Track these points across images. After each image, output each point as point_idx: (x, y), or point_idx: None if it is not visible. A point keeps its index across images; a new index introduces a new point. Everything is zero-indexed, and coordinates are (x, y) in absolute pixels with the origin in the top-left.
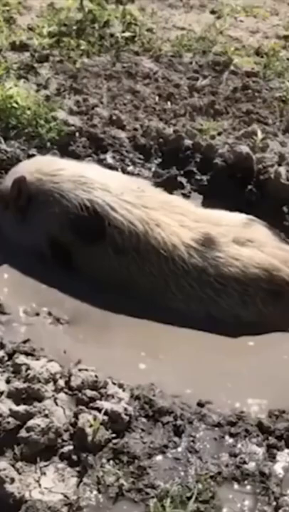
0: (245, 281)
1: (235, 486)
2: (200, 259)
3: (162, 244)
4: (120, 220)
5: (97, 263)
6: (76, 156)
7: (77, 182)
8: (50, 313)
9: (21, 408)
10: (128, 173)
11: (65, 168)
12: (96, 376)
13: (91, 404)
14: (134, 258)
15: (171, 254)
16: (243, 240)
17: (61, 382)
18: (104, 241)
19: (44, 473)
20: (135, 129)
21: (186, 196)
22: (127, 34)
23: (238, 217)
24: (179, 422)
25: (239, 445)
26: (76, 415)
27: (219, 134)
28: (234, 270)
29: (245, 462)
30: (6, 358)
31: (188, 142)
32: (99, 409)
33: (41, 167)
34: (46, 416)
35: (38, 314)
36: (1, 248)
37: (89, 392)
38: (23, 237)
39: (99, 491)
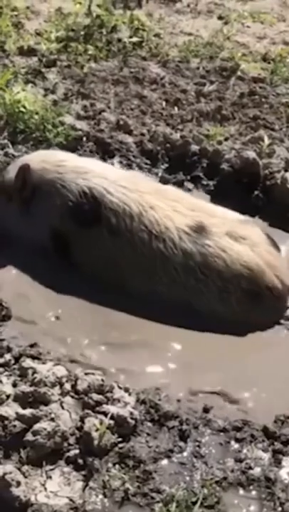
0: (227, 277)
1: (241, 491)
2: (189, 244)
3: (155, 225)
4: (116, 202)
5: (93, 248)
6: None
7: (78, 172)
8: (57, 317)
9: (28, 412)
10: None
11: (68, 159)
12: (102, 380)
13: (97, 408)
14: (127, 238)
15: (162, 235)
16: (236, 235)
17: (67, 386)
18: (100, 224)
19: (50, 477)
20: (142, 134)
21: None
22: (135, 39)
23: (234, 213)
24: (184, 426)
25: (245, 450)
26: (82, 419)
27: (226, 139)
28: (220, 262)
29: (250, 467)
30: (12, 362)
31: (195, 147)
32: (105, 414)
33: (45, 158)
34: (52, 420)
35: (44, 317)
36: (6, 247)
37: (95, 396)
38: (27, 230)
39: (104, 495)
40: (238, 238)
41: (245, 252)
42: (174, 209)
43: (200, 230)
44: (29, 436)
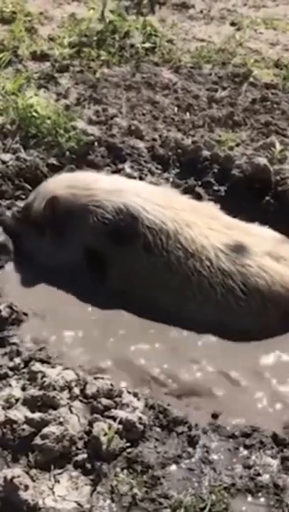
0: (268, 297)
1: (249, 498)
2: (228, 264)
3: (190, 243)
4: (152, 219)
5: (128, 266)
6: (95, 166)
7: (110, 190)
8: (65, 322)
9: (36, 415)
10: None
11: (96, 180)
12: (111, 385)
13: (106, 413)
14: (162, 256)
15: (198, 254)
16: (276, 255)
17: (76, 390)
18: (136, 242)
19: (58, 481)
20: (154, 140)
21: None
22: (147, 45)
23: (269, 232)
24: (193, 432)
25: (253, 457)
26: (91, 423)
27: (237, 145)
28: (261, 282)
29: (259, 474)
30: (22, 366)
31: (206, 153)
32: (114, 418)
33: (71, 183)
34: (61, 424)
35: (54, 321)
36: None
37: (104, 401)
38: (61, 258)
39: (112, 500)
40: (279, 258)
41: (285, 272)
42: (210, 227)
43: (239, 249)
44: (38, 440)
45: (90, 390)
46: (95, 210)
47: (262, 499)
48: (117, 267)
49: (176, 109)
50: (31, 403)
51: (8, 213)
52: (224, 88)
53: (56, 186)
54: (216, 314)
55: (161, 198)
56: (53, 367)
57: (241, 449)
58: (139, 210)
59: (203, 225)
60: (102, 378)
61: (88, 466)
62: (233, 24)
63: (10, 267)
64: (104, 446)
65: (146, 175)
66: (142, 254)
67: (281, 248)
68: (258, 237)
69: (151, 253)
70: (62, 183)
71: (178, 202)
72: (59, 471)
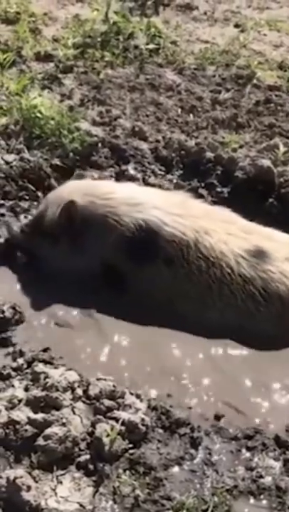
0: (288, 303)
1: (251, 500)
2: (248, 270)
3: (210, 251)
4: (172, 232)
5: (148, 279)
6: (98, 167)
7: (130, 204)
8: (70, 323)
9: (39, 416)
10: (149, 184)
11: (113, 190)
12: (114, 386)
13: (108, 414)
14: (183, 267)
15: (218, 261)
16: None
17: (79, 391)
18: (157, 257)
19: (60, 482)
20: (157, 141)
21: None
22: (151, 46)
23: (286, 236)
24: (195, 434)
25: (256, 459)
26: (93, 425)
27: (241, 147)
28: (281, 288)
29: (261, 476)
30: (25, 366)
31: (209, 155)
32: (116, 419)
33: (88, 191)
34: (64, 425)
35: (57, 324)
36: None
37: (107, 402)
38: (75, 267)
39: (115, 501)
40: None
41: None
42: (228, 232)
43: (259, 254)
44: (40, 441)
45: (93, 391)
46: (114, 224)
47: (264, 501)
48: (136, 281)
49: (179, 110)
50: (34, 404)
51: (16, 228)
52: (228, 90)
53: (72, 193)
54: (237, 320)
55: (179, 207)
56: (55, 368)
57: (244, 451)
58: (159, 226)
59: (222, 231)
60: (105, 379)
61: (91, 467)
62: (236, 26)
63: (14, 266)
64: (106, 448)
65: (149, 176)
66: (163, 268)
67: None
68: (278, 242)
69: (171, 266)
70: (78, 190)
71: (194, 208)
72: (61, 472)
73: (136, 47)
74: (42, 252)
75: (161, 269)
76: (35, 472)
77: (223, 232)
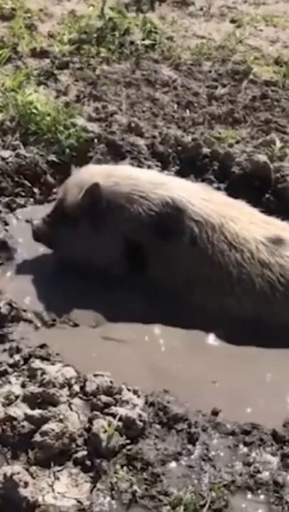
0: None
1: (249, 495)
2: (267, 255)
3: (235, 237)
4: (198, 212)
5: (170, 259)
6: (94, 163)
7: (155, 183)
8: (67, 319)
9: (36, 412)
10: None
11: (136, 172)
12: (111, 382)
13: (106, 410)
14: (206, 248)
15: (241, 247)
16: None
17: (76, 388)
18: (182, 235)
19: (58, 478)
20: (154, 137)
21: None
22: (147, 42)
23: None
24: (193, 429)
25: (253, 454)
26: (90, 420)
27: (237, 142)
28: None
29: (259, 471)
30: (21, 362)
31: (206, 150)
32: (113, 415)
33: (112, 172)
34: (61, 421)
35: (54, 320)
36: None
37: (104, 398)
38: (97, 251)
39: (112, 497)
40: None
41: None
42: (251, 221)
43: (278, 242)
44: (37, 437)
45: (90, 387)
46: (140, 200)
47: (262, 496)
48: (159, 260)
49: (176, 106)
50: (31, 400)
51: (37, 220)
52: (224, 85)
53: (94, 175)
54: (256, 308)
55: (203, 192)
56: (52, 364)
57: (241, 446)
58: (186, 205)
59: (246, 220)
60: (102, 375)
61: (88, 463)
62: (233, 21)
63: (10, 264)
64: (104, 443)
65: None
66: (187, 247)
67: None
68: None
69: (196, 246)
70: (100, 173)
71: (217, 196)
72: (59, 468)
73: (132, 43)
74: (62, 238)
75: (185, 248)
76: (33, 468)
77: (247, 220)
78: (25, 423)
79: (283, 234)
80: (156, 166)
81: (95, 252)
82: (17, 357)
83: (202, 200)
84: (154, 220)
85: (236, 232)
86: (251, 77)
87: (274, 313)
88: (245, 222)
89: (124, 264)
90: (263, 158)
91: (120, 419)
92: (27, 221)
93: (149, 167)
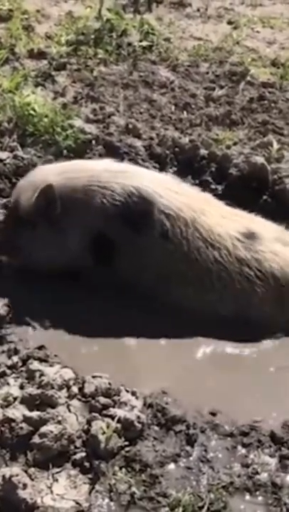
0: (281, 281)
1: (247, 496)
2: (244, 251)
3: (209, 233)
4: (168, 205)
5: (141, 254)
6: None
7: (115, 172)
8: (63, 321)
9: (34, 414)
10: None
11: (91, 163)
12: (109, 383)
13: (104, 412)
14: (181, 244)
15: (217, 244)
16: (284, 241)
17: (74, 389)
18: (152, 228)
19: (56, 480)
20: (151, 138)
21: None
22: (145, 43)
23: (266, 220)
24: (191, 431)
25: (251, 455)
26: (89, 422)
27: (235, 144)
28: (275, 266)
29: (257, 473)
30: (20, 364)
31: (203, 152)
32: (112, 417)
33: (63, 169)
34: (59, 422)
35: (52, 321)
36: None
37: (102, 399)
38: (59, 252)
39: (111, 499)
40: (286, 243)
41: None
42: (222, 215)
43: (251, 236)
44: (36, 439)
45: (88, 389)
46: (101, 191)
47: (260, 498)
48: (129, 255)
49: (173, 107)
50: (29, 402)
51: None
52: (221, 87)
53: (46, 174)
54: (236, 304)
55: (168, 182)
56: (51, 365)
57: (239, 447)
58: (152, 194)
59: (216, 213)
60: (101, 377)
61: (86, 464)
62: (230, 23)
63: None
64: (102, 445)
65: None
66: (158, 241)
67: (286, 234)
68: (262, 224)
69: (168, 241)
70: (51, 172)
71: (186, 189)
72: (57, 469)
73: (129, 44)
74: (22, 243)
75: (156, 242)
76: (31, 470)
77: (218, 214)
78: (23, 425)
79: (253, 227)
80: (154, 167)
81: (58, 251)
82: (15, 358)
83: (170, 191)
84: (120, 210)
85: (210, 227)
86: (248, 78)
87: (254, 306)
88: (216, 216)
89: (90, 259)
90: (260, 159)
91: (119, 421)
92: None
93: (146, 168)
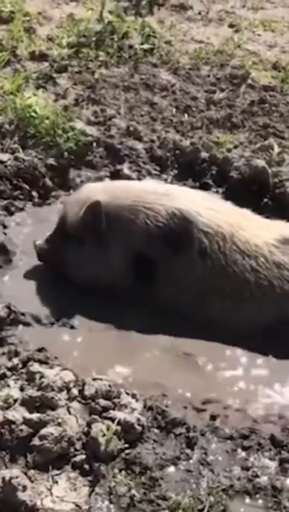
0: None
1: (247, 499)
2: (281, 256)
3: (246, 245)
4: (207, 223)
5: (180, 272)
6: (93, 167)
7: (159, 193)
8: (64, 323)
9: (35, 416)
10: None
11: (137, 184)
12: (110, 386)
13: (104, 414)
14: (218, 259)
15: (254, 254)
16: None
17: (75, 391)
18: (191, 247)
19: (56, 482)
20: (152, 141)
21: None
22: (146, 46)
23: None
24: (191, 433)
25: (251, 458)
26: (89, 424)
27: (235, 147)
28: None
29: (257, 476)
30: (20, 366)
31: (204, 155)
32: (112, 419)
33: (111, 187)
34: (59, 424)
35: (52, 323)
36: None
37: (102, 402)
38: (104, 268)
39: (110, 501)
40: None
41: None
42: (259, 227)
43: (286, 241)
44: (36, 441)
45: (89, 391)
46: (146, 212)
47: (260, 501)
48: (168, 274)
49: (174, 110)
50: (29, 404)
51: (40, 241)
52: (222, 90)
53: (93, 192)
54: (273, 310)
55: (207, 200)
56: (51, 367)
57: (239, 450)
58: (194, 215)
59: (253, 226)
60: (101, 379)
61: (86, 467)
62: (231, 26)
63: (8, 267)
64: (102, 447)
65: (144, 176)
66: (197, 259)
67: None
68: None
69: (206, 257)
70: (99, 189)
71: (220, 203)
72: (57, 471)
73: (130, 46)
74: (68, 258)
75: (195, 261)
76: (31, 472)
77: (255, 226)
78: (23, 427)
79: (287, 232)
80: (155, 170)
81: (102, 268)
82: (15, 360)
83: (208, 209)
84: (163, 232)
85: (247, 239)
86: (249, 81)
87: None
88: (253, 229)
89: (132, 278)
90: (261, 163)
91: (119, 423)
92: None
93: (147, 171)
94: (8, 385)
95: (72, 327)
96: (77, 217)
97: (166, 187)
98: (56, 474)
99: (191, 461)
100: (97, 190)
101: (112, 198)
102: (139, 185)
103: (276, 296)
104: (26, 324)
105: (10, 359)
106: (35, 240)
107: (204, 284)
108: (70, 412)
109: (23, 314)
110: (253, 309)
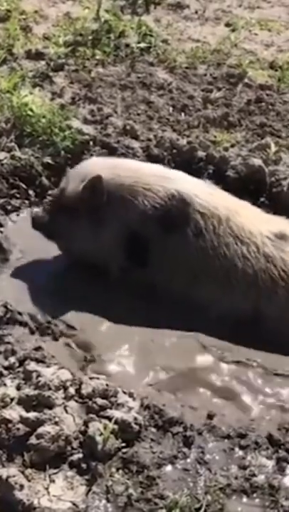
0: None
1: (244, 498)
2: (272, 249)
3: (241, 230)
4: (204, 204)
5: (173, 251)
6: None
7: (159, 176)
8: (62, 321)
9: (31, 415)
10: None
11: (139, 164)
12: (107, 385)
13: (101, 413)
14: (212, 240)
15: (247, 240)
16: None
17: (72, 390)
18: (186, 227)
19: (53, 481)
20: (149, 140)
21: None
22: (143, 45)
23: None
24: (188, 432)
25: (249, 457)
26: (86, 423)
27: (232, 146)
28: None
29: (254, 475)
30: (17, 365)
31: (201, 154)
32: (109, 418)
33: (115, 165)
34: (56, 423)
35: (49, 322)
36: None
37: (99, 401)
38: (95, 243)
39: (108, 500)
40: None
41: None
42: (255, 215)
43: (283, 237)
44: (33, 440)
45: (86, 390)
46: (144, 192)
47: (257, 500)
48: (162, 254)
49: (171, 109)
50: (26, 402)
51: (37, 208)
52: (219, 89)
53: (97, 167)
54: (257, 301)
55: (206, 185)
56: (48, 366)
57: (236, 449)
58: (191, 196)
59: (251, 214)
60: (98, 378)
61: (83, 466)
62: (228, 25)
63: (5, 266)
64: (99, 446)
65: None
66: (191, 239)
67: None
68: None
69: (200, 238)
70: (104, 164)
71: (223, 193)
72: (54, 470)
73: (127, 45)
74: (62, 228)
75: (189, 240)
76: (28, 471)
77: (252, 215)
78: (20, 425)
79: (286, 228)
80: None
81: (95, 244)
82: (12, 359)
83: (207, 193)
84: (159, 213)
85: (242, 225)
86: (246, 80)
87: (274, 307)
88: (251, 218)
89: (124, 258)
90: (257, 162)
91: (116, 422)
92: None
93: None
94: (5, 384)
95: (69, 326)
96: (77, 189)
97: (170, 171)
98: (53, 473)
99: (188, 460)
100: (101, 165)
101: (113, 175)
102: (142, 166)
103: (257, 289)
104: (23, 323)
105: (6, 358)
106: (33, 208)
107: (196, 266)
108: (67, 411)
109: (20, 313)
110: (235, 297)
